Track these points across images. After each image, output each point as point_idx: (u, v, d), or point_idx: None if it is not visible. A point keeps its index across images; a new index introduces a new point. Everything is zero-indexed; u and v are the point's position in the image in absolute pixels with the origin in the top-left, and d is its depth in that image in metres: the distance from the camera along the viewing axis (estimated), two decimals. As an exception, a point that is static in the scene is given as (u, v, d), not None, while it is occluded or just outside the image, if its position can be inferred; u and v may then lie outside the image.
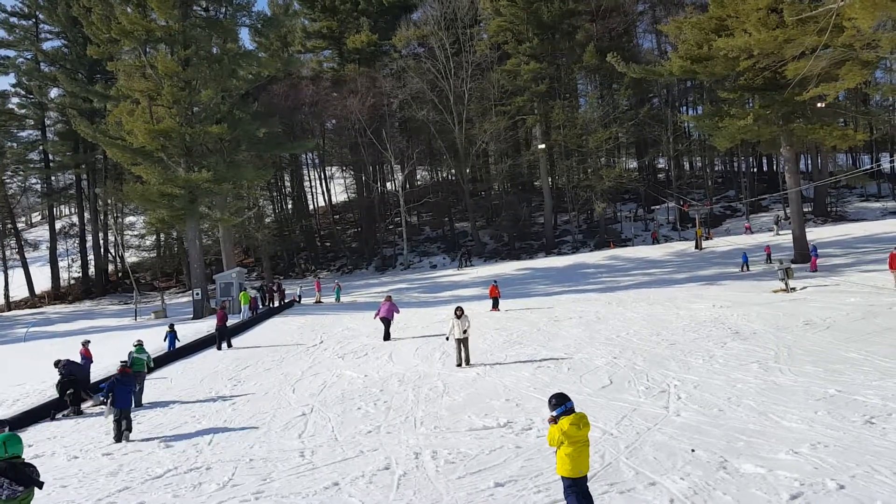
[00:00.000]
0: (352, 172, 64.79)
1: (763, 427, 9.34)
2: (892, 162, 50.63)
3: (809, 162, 55.77)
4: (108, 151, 39.70)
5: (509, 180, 59.92)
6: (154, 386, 16.96)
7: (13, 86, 61.60)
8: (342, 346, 20.97)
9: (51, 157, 61.79)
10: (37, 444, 12.59)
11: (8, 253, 59.01)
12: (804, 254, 31.82)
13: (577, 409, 6.44)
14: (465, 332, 15.81)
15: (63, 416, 14.98)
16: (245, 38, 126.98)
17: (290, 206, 66.26)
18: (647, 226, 54.49)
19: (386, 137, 53.61)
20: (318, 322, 27.36)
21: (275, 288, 36.91)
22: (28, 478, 5.57)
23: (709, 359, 14.12)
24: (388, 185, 63.92)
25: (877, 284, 23.04)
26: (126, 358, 15.58)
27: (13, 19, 57.69)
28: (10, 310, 54.60)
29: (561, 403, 6.35)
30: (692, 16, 34.40)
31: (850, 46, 24.88)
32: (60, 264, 60.34)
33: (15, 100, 60.61)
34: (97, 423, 13.82)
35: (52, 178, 64.21)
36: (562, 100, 52.94)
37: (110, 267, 63.13)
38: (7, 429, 9.04)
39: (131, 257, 61.12)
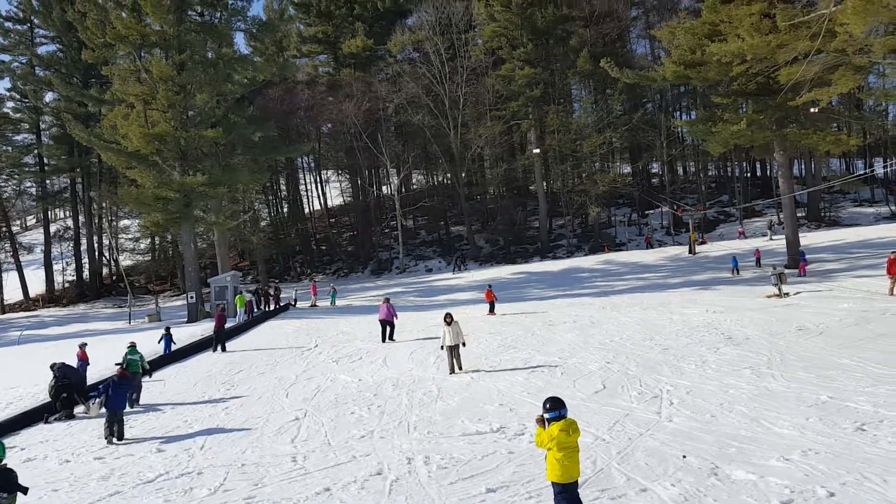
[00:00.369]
0: (347, 176, 64.85)
1: (755, 433, 9.37)
2: (885, 167, 50.88)
3: (803, 167, 55.96)
4: (102, 155, 39.62)
5: (504, 184, 60.06)
6: (147, 389, 16.91)
7: (8, 90, 61.51)
8: (337, 350, 20.95)
9: (46, 160, 61.62)
10: (29, 447, 12.59)
11: (2, 256, 58.83)
12: (798, 259, 31.91)
13: (569, 415, 6.47)
14: (462, 343, 15.74)
15: (56, 419, 14.94)
16: (240, 42, 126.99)
17: (285, 210, 66.18)
18: (642, 230, 54.64)
19: (381, 141, 53.66)
20: (313, 326, 27.32)
21: (271, 291, 36.87)
22: (13, 484, 5.57)
23: (701, 364, 14.15)
24: (384, 188, 63.97)
25: (870, 290, 23.12)
26: (121, 360, 15.65)
27: (8, 24, 57.64)
28: (4, 313, 54.40)
29: (555, 409, 6.38)
30: (685, 21, 34.50)
31: (842, 51, 25.00)
32: (55, 267, 60.25)
33: (10, 104, 60.56)
34: (89, 427, 13.77)
35: (47, 181, 63.99)
36: (556, 105, 53.06)
37: (104, 270, 62.95)
38: None
39: (126, 261, 60.94)
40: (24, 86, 57.99)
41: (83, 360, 17.68)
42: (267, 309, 34.30)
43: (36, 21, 57.96)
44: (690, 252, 42.00)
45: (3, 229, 59.85)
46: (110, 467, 10.64)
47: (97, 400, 14.51)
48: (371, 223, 59.58)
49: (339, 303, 35.77)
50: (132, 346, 17.08)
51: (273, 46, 58.37)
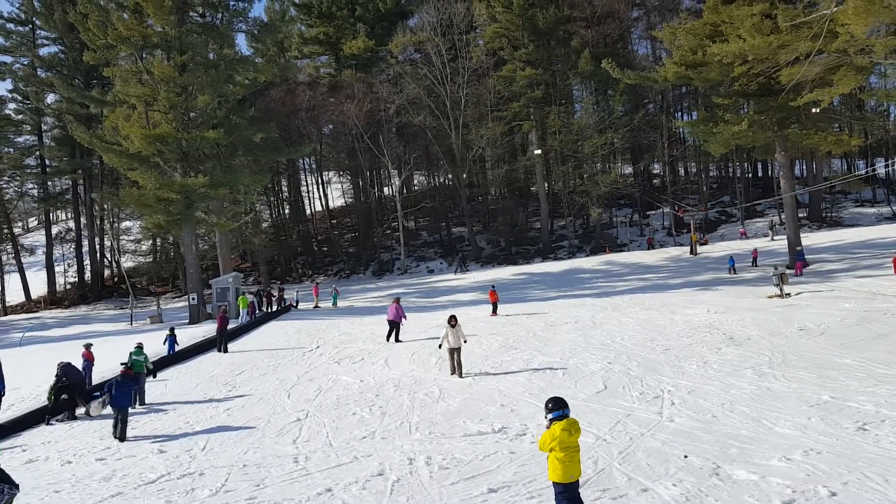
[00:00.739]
0: (349, 177, 64.84)
1: (756, 433, 9.37)
2: (886, 167, 50.83)
3: (804, 167, 55.95)
4: (104, 157, 39.66)
5: (506, 185, 60.06)
6: (150, 390, 16.91)
7: (10, 91, 61.44)
8: (338, 350, 20.96)
9: (47, 162, 61.71)
10: (31, 448, 12.60)
11: (4, 258, 58.94)
12: (795, 258, 31.88)
13: (570, 415, 6.47)
14: (462, 342, 15.72)
15: (58, 420, 14.96)
16: (242, 43, 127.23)
17: (287, 211, 66.23)
18: (643, 231, 54.61)
19: (383, 142, 53.69)
20: (314, 327, 27.32)
21: (274, 292, 36.89)
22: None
23: (703, 364, 14.15)
24: (386, 190, 63.97)
25: (872, 290, 23.10)
26: (126, 360, 15.73)
27: (10, 25, 57.60)
28: (6, 314, 54.47)
29: (557, 408, 6.39)
30: (686, 22, 34.51)
31: (844, 52, 24.98)
32: (57, 269, 60.24)
33: (12, 105, 60.53)
34: (91, 428, 13.80)
35: (49, 183, 64.07)
36: (557, 105, 53.08)
37: (106, 272, 62.96)
38: None
39: (127, 262, 61.02)
40: (26, 87, 58.03)
41: (89, 360, 17.73)
42: (269, 310, 34.36)
43: (38, 22, 57.98)
44: (692, 253, 41.99)
45: (5, 231, 59.92)
46: (112, 468, 10.65)
47: (100, 399, 14.56)
48: (372, 224, 59.61)
49: (340, 304, 35.79)
50: (139, 347, 17.16)
51: (274, 47, 58.45)
